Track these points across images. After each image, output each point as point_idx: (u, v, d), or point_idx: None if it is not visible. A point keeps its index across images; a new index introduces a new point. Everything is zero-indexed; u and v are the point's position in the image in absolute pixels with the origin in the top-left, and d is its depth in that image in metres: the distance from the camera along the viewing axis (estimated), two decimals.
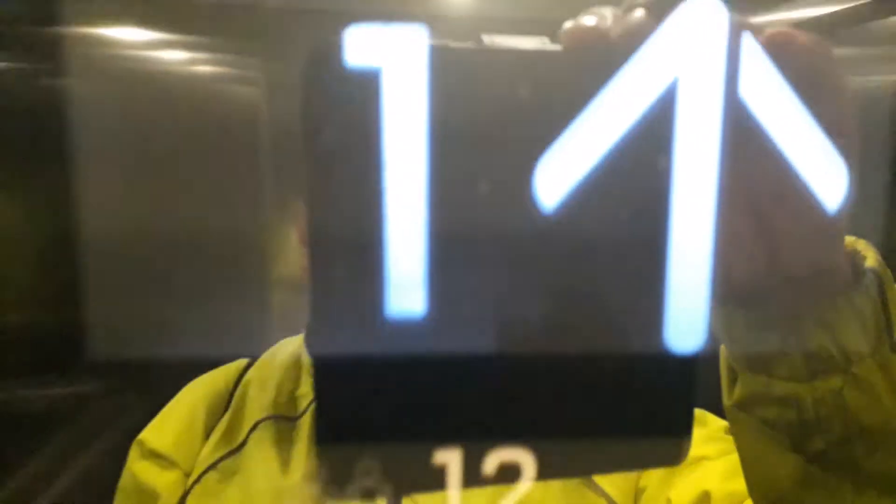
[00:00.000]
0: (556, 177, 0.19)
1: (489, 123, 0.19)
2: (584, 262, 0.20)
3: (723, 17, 0.19)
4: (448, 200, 0.18)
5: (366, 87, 0.17)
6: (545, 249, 0.19)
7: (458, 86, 0.18)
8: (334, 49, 0.18)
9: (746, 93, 0.21)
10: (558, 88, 0.19)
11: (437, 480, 0.19)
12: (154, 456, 0.62)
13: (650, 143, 0.19)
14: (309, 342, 0.64)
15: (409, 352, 0.19)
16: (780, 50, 0.22)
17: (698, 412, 0.57)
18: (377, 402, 0.19)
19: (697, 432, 0.55)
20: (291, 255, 1.29)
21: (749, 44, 0.21)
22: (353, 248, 0.18)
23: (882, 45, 0.89)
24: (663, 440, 0.21)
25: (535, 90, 0.19)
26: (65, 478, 1.31)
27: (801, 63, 0.22)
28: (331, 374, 0.19)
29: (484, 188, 0.18)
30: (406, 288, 0.18)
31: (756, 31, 0.22)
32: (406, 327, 0.18)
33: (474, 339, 0.19)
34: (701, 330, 0.20)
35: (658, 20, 0.21)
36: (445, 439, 0.20)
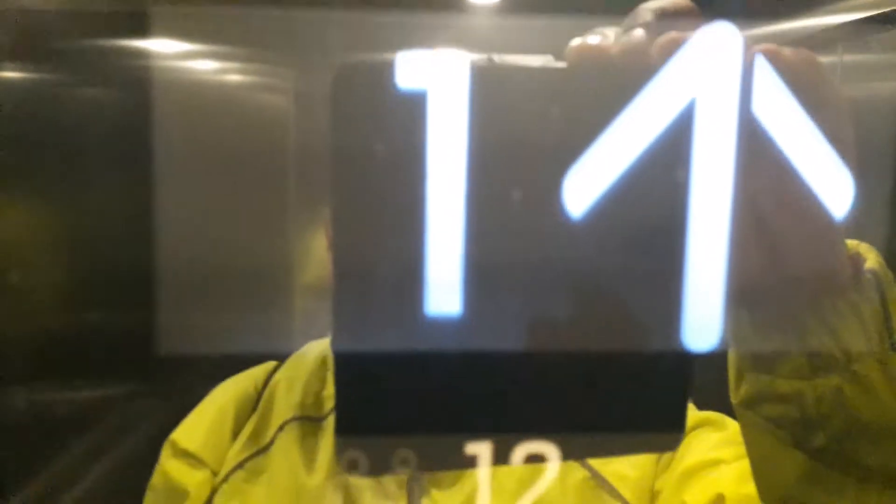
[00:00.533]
0: (583, 187, 0.20)
1: (521, 138, 0.20)
2: (608, 266, 0.21)
3: (737, 40, 0.20)
4: (483, 209, 0.20)
5: (409, 106, 0.19)
6: (573, 254, 0.21)
7: (494, 103, 0.20)
8: (374, 68, 0.19)
9: (756, 107, 0.22)
10: (579, 103, 0.21)
11: (463, 462, 0.21)
12: (185, 455, 0.64)
13: (669, 156, 0.21)
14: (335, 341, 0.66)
15: (445, 348, 0.20)
16: (768, 63, 0.23)
17: (717, 416, 0.58)
18: (408, 397, 0.21)
19: (715, 436, 0.56)
20: (318, 260, 1.31)
21: (759, 62, 0.22)
22: (393, 254, 0.20)
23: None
24: (659, 428, 0.22)
25: (558, 105, 0.20)
26: (90, 478, 1.34)
27: (789, 75, 0.23)
28: (354, 370, 0.21)
29: (517, 197, 0.20)
30: (444, 290, 0.20)
31: (745, 46, 0.23)
32: (443, 326, 0.20)
33: (506, 337, 0.21)
34: (716, 328, 0.21)
35: (655, 38, 0.23)
36: (474, 430, 0.21)
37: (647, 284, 0.21)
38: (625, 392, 0.22)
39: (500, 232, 0.20)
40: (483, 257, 0.20)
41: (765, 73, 0.23)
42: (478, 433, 0.22)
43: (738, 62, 0.20)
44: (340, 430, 0.21)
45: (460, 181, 0.19)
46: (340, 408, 0.21)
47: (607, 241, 0.21)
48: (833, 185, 0.24)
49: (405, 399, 0.21)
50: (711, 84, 0.20)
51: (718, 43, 0.20)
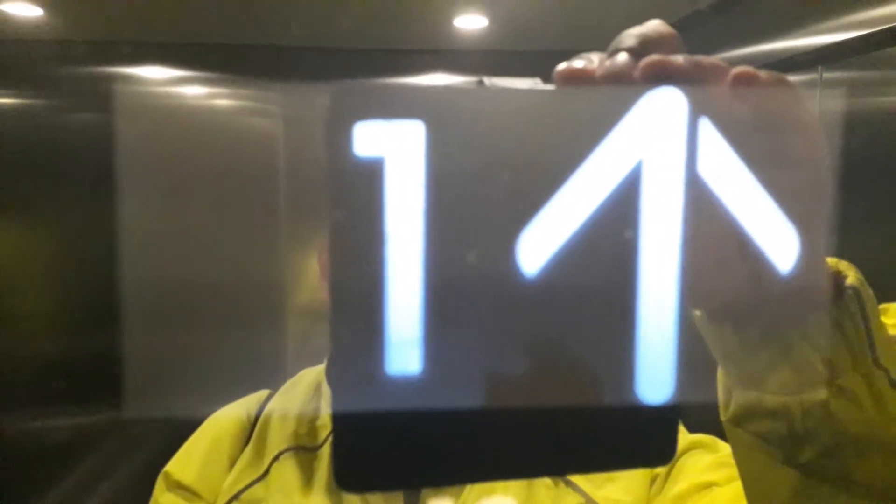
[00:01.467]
0: (537, 245, 0.21)
1: (478, 196, 0.20)
2: (562, 321, 0.21)
3: (682, 104, 0.21)
4: (441, 269, 0.20)
5: (371, 172, 0.19)
6: (528, 310, 0.21)
7: (478, 126, 0.20)
8: (368, 92, 0.19)
9: (704, 161, 0.23)
10: (564, 125, 0.21)
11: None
12: (179, 488, 0.64)
13: (619, 214, 0.21)
14: (330, 375, 0.66)
15: (407, 406, 0.20)
16: (745, 86, 0.24)
17: (709, 438, 0.58)
18: (392, 447, 0.21)
19: (707, 458, 0.56)
20: (311, 284, 1.31)
21: (704, 124, 0.23)
22: (361, 313, 0.20)
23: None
24: (651, 444, 0.23)
25: (541, 126, 0.21)
26: None
27: (765, 97, 0.24)
28: (348, 423, 0.21)
29: (473, 257, 0.20)
30: (403, 349, 0.20)
31: (723, 70, 0.24)
32: (404, 384, 0.20)
33: (465, 393, 0.21)
34: (669, 379, 0.21)
35: (638, 61, 0.24)
36: (449, 481, 0.22)
37: (600, 336, 0.21)
38: (613, 422, 0.23)
39: (459, 289, 0.20)
40: (442, 315, 0.20)
41: (712, 134, 0.23)
42: (470, 480, 0.22)
43: (684, 125, 0.21)
44: (340, 483, 0.21)
45: (418, 242, 0.20)
46: (337, 464, 0.21)
47: (562, 297, 0.21)
48: (782, 239, 0.25)
49: (395, 455, 0.21)
50: (658, 146, 0.20)
51: (664, 107, 0.21)
